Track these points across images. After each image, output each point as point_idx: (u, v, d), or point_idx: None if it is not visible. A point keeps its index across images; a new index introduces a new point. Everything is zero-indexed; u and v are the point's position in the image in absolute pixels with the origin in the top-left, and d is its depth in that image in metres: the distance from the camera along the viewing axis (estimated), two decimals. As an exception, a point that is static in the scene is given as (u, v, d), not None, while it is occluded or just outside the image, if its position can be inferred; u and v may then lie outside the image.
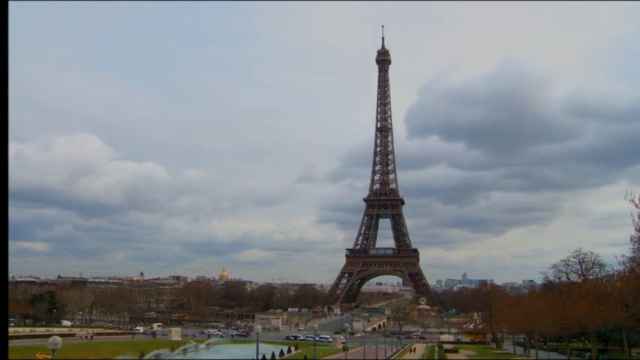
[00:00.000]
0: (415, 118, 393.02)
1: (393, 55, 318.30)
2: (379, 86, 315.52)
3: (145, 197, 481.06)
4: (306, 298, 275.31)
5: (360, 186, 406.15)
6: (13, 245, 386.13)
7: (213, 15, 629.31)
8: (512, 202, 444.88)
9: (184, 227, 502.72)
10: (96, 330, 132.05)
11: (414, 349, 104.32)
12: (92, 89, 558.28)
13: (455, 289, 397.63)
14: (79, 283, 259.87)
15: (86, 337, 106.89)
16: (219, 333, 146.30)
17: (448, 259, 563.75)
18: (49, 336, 33.91)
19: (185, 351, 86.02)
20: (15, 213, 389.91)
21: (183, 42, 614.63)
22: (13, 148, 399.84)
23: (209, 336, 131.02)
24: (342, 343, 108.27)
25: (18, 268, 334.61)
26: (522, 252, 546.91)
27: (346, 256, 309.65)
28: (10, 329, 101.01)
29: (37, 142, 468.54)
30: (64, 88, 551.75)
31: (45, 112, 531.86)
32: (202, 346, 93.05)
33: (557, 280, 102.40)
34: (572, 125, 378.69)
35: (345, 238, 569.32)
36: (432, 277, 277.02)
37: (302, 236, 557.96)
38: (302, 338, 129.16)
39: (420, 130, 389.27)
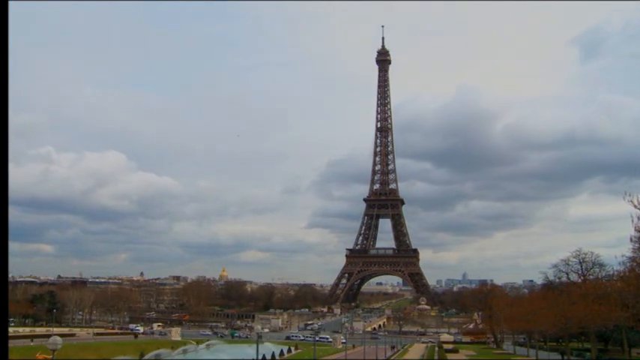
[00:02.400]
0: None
1: (393, 55, 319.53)
2: (379, 86, 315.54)
3: (156, 205, 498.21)
4: (306, 298, 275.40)
5: (353, 192, 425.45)
6: (23, 247, 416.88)
7: (211, 17, 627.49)
8: (491, 209, 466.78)
9: (188, 231, 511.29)
10: (96, 330, 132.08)
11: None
12: (110, 101, 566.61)
13: (455, 289, 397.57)
14: (79, 283, 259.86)
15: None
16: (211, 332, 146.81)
17: (439, 260, 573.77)
18: (49, 336, 33.92)
19: (185, 351, 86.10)
20: (33, 219, 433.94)
21: (184, 48, 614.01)
22: (41, 166, 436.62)
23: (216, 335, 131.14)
24: (342, 342, 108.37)
25: (21, 269, 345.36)
26: (512, 253, 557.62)
27: (346, 256, 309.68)
28: (10, 329, 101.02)
29: (66, 158, 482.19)
30: (88, 102, 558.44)
31: (76, 127, 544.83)
32: (202, 346, 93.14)
33: (557, 280, 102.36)
34: (516, 153, 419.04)
35: (339, 241, 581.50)
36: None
37: (300, 238, 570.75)
38: (302, 338, 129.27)
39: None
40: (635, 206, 40.96)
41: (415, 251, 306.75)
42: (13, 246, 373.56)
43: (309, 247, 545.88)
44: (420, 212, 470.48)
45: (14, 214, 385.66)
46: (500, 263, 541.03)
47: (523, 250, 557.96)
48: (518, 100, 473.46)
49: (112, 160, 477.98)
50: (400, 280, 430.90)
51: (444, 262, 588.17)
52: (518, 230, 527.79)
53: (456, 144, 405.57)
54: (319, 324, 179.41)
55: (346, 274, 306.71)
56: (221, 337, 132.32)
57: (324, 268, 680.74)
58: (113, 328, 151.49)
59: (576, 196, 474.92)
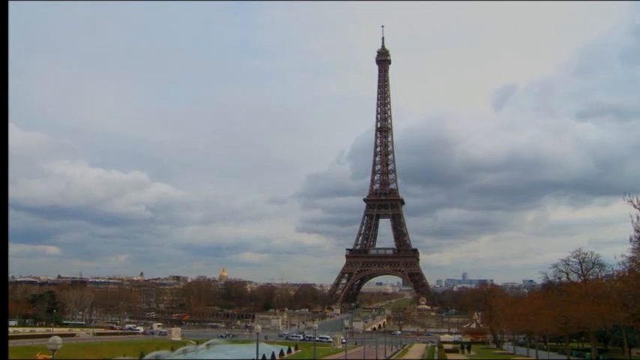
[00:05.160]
0: (356, 163, 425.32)
1: (392, 56, 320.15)
2: (379, 86, 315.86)
3: (163, 211, 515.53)
4: (306, 298, 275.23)
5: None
6: (34, 248, 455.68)
7: (210, 17, 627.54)
8: (470, 216, 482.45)
9: (191, 234, 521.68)
10: (96, 330, 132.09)
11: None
12: (129, 113, 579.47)
13: (455, 289, 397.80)
14: (79, 283, 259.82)
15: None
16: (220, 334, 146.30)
17: (431, 261, 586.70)
18: (49, 336, 33.92)
19: (185, 351, 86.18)
20: (48, 224, 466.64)
21: (182, 49, 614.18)
22: (63, 181, 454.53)
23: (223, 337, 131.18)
24: (342, 342, 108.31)
25: (27, 269, 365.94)
26: (500, 255, 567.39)
27: (346, 256, 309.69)
28: (10, 329, 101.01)
29: (91, 172, 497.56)
30: (109, 114, 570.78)
31: (101, 139, 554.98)
32: (202, 346, 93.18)
33: (557, 280, 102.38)
34: (472, 174, 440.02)
35: (334, 243, 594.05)
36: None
37: (297, 240, 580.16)
38: (302, 338, 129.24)
39: (360, 174, 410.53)
40: (635, 206, 41.03)
41: (415, 251, 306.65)
42: (21, 248, 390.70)
43: (305, 248, 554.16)
44: (405, 217, 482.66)
45: (28, 220, 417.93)
46: (492, 264, 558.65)
47: (510, 252, 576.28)
48: (475, 126, 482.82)
49: (133, 176, 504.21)
50: (400, 280, 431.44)
51: (436, 263, 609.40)
52: (502, 233, 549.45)
53: (421, 164, 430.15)
54: (319, 324, 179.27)
55: (346, 274, 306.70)
56: (222, 337, 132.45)
57: (320, 269, 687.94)
58: (114, 328, 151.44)
59: (544, 206, 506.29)
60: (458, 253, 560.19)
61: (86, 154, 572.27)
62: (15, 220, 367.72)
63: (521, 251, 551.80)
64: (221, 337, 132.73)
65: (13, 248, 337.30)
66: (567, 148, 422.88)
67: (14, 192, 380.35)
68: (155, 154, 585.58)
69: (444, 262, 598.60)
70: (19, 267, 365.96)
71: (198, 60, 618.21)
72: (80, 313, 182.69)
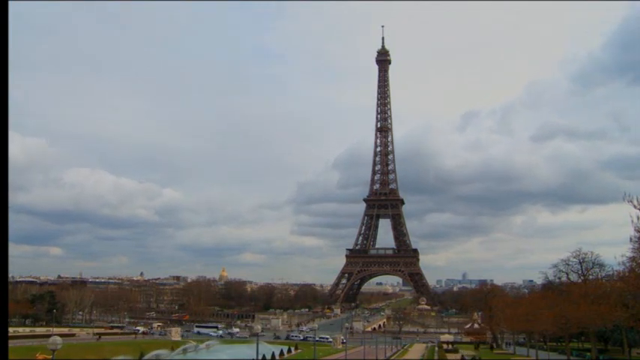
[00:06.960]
0: (343, 174, 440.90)
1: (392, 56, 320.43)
2: (379, 86, 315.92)
3: (168, 214, 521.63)
4: (306, 298, 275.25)
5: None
6: (36, 249, 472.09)
7: (210, 17, 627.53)
8: (458, 220, 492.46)
9: (194, 235, 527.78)
10: (96, 330, 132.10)
11: None
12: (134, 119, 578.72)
13: (455, 289, 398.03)
14: (79, 283, 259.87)
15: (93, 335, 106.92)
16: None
17: (427, 262, 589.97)
18: (49, 336, 33.95)
19: (185, 351, 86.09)
20: (56, 227, 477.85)
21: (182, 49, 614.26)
22: (75, 190, 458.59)
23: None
24: (342, 342, 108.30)
25: (29, 270, 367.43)
26: (494, 256, 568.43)
27: (346, 256, 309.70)
28: (10, 329, 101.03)
29: (105, 178, 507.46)
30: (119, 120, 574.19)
31: (114, 146, 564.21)
32: (202, 346, 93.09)
33: (557, 280, 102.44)
34: (447, 185, 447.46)
35: (331, 245, 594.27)
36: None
37: (294, 242, 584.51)
38: (302, 338, 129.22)
39: (345, 184, 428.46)
40: (635, 206, 41.05)
41: (415, 251, 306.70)
42: (24, 249, 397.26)
43: (304, 250, 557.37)
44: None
45: (37, 223, 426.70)
46: (488, 264, 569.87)
47: (504, 253, 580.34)
48: (450, 139, 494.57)
49: (145, 185, 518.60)
50: (400, 280, 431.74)
51: (432, 263, 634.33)
52: (492, 235, 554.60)
53: (407, 171, 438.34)
54: (319, 324, 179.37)
55: (346, 274, 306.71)
56: (221, 336, 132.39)
57: (319, 269, 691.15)
58: (113, 329, 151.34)
59: (527, 212, 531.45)
60: (453, 254, 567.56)
61: (101, 161, 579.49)
62: (25, 222, 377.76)
63: (514, 252, 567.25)
64: (220, 336, 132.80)
65: (18, 249, 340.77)
66: (535, 162, 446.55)
67: (28, 198, 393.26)
68: (168, 159, 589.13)
69: (439, 263, 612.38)
70: (21, 268, 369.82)
71: (202, 65, 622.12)
72: (80, 313, 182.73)
